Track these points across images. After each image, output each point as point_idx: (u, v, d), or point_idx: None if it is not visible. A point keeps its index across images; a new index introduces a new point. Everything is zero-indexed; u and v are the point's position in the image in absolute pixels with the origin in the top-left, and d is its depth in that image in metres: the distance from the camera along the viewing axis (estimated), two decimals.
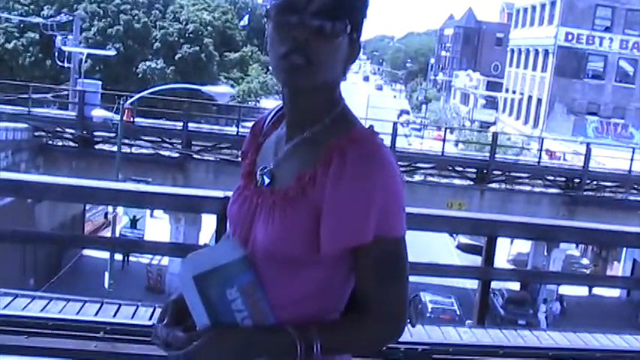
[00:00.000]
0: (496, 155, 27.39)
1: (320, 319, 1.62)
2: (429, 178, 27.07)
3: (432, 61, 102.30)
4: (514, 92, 54.55)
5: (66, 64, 32.84)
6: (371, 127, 1.67)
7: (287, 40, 1.57)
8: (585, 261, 32.60)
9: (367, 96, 71.83)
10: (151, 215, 27.33)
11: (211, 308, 1.58)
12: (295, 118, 1.69)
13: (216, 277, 1.59)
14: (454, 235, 33.03)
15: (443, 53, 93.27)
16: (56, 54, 33.91)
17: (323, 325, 1.60)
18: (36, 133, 25.24)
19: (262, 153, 1.78)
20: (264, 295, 1.61)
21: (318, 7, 1.56)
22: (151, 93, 23.77)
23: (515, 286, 24.91)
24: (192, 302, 1.59)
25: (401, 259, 1.62)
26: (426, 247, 27.81)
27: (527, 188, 27.39)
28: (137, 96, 22.11)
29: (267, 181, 1.70)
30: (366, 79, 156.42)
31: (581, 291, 26.44)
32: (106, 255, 20.11)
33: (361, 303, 1.63)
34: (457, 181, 27.20)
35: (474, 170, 27.19)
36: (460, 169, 27.42)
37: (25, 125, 24.57)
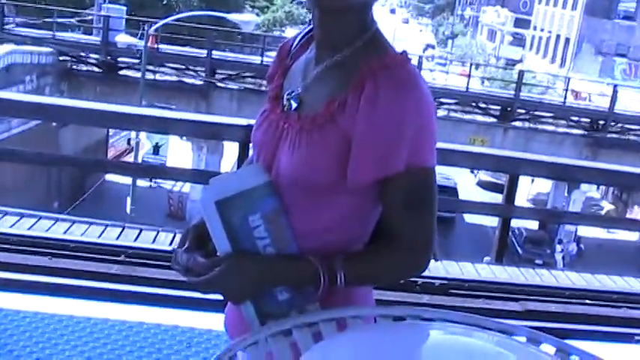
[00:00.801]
0: (521, 93, 27.12)
1: (344, 249, 1.58)
2: (452, 114, 26.90)
3: None
4: (542, 30, 53.63)
5: None
6: (404, 52, 1.59)
7: None
8: (605, 203, 32.52)
9: (393, 29, 70.99)
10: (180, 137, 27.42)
11: (233, 234, 1.54)
12: (325, 41, 1.62)
13: (239, 203, 1.55)
14: (475, 172, 32.97)
15: None
16: None
17: (347, 254, 1.57)
18: (60, 58, 25.24)
19: (289, 76, 1.72)
20: (287, 223, 1.58)
21: None
22: (176, 20, 23.63)
23: (534, 225, 24.96)
24: (213, 228, 1.56)
25: (431, 189, 1.57)
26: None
27: (551, 128, 27.17)
28: (161, 22, 21.99)
29: (294, 105, 1.64)
30: (392, 11, 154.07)
31: (600, 233, 26.43)
32: (128, 180, 20.32)
33: (389, 233, 1.58)
34: (480, 118, 27.04)
35: (498, 108, 26.98)
36: (484, 105, 27.21)
37: (50, 49, 24.57)
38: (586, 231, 25.13)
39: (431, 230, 1.58)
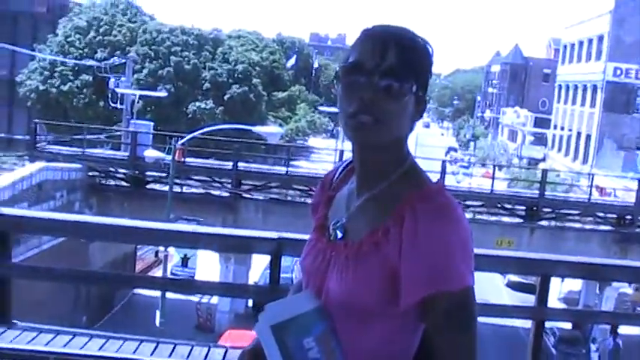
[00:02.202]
0: (545, 192, 27.13)
1: None
2: (478, 216, 26.88)
3: (479, 98, 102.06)
4: (562, 128, 54.11)
5: (119, 106, 33.62)
6: (439, 181, 1.73)
7: (355, 100, 1.66)
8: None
9: (415, 135, 71.76)
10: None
11: (288, 357, 1.65)
12: (365, 173, 1.76)
13: (294, 327, 1.66)
14: (504, 274, 32.66)
15: (490, 90, 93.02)
16: (109, 95, 34.77)
17: None
18: (90, 173, 25.75)
19: (334, 207, 1.85)
20: (338, 345, 1.68)
21: (386, 69, 1.65)
22: (202, 133, 24.13)
23: (567, 324, 24.49)
24: (270, 351, 1.66)
25: (471, 308, 1.68)
26: (476, 285, 27.60)
27: (578, 225, 27.01)
28: (189, 136, 22.47)
29: (339, 234, 1.76)
30: None
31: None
32: (157, 293, 20.33)
33: (432, 352, 1.69)
34: (506, 219, 26.97)
35: (524, 208, 26.93)
36: (509, 206, 27.19)
37: (79, 165, 25.10)
38: (626, 328, 24.52)
39: (473, 348, 1.68)
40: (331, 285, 1.72)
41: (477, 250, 5.37)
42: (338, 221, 1.79)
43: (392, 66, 1.65)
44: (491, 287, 30.68)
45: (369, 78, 1.65)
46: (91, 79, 44.14)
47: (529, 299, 8.86)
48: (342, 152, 29.93)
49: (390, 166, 1.74)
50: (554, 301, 27.92)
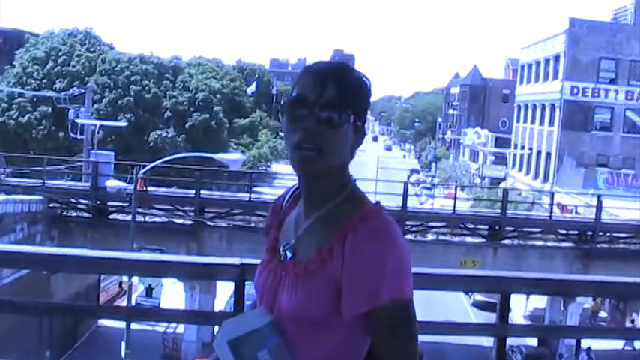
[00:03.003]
0: (507, 211, 27.42)
1: None
2: (442, 237, 27.04)
3: (440, 119, 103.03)
4: (522, 147, 54.79)
5: (79, 136, 33.37)
6: (377, 203, 1.89)
7: (299, 131, 1.82)
8: (603, 314, 32.31)
9: (377, 157, 72.28)
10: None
11: None
12: (311, 199, 1.92)
13: (249, 341, 1.81)
14: (469, 294, 32.86)
15: (450, 111, 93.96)
16: (69, 126, 34.49)
17: None
18: (51, 205, 25.49)
19: (284, 229, 2.00)
20: (290, 356, 1.81)
21: (325, 101, 1.81)
22: (164, 162, 24.03)
23: (533, 341, 24.68)
24: None
25: (411, 319, 1.83)
26: (441, 305, 27.74)
27: (540, 243, 27.30)
28: (150, 165, 22.38)
29: (289, 255, 1.91)
30: (375, 139, 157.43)
31: (612, 344, 25.93)
32: (121, 324, 20.12)
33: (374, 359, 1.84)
34: (470, 239, 27.17)
35: (486, 227, 27.17)
36: (472, 226, 27.40)
37: (40, 197, 24.86)
38: (599, 343, 24.72)
39: (414, 356, 1.84)
40: (282, 301, 1.86)
41: (437, 270, 5.43)
42: (287, 243, 1.94)
43: (331, 98, 1.82)
44: (457, 308, 30.88)
45: (310, 110, 1.81)
46: (50, 110, 43.83)
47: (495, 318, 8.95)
48: None
49: (333, 191, 1.89)
50: (519, 319, 28.18)
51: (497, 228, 26.71)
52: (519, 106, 58.00)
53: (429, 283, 6.17)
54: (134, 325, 21.49)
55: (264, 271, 1.98)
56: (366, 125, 1.93)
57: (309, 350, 1.83)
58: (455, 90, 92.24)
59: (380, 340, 1.82)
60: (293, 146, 1.83)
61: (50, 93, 41.06)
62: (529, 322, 25.48)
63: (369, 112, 1.95)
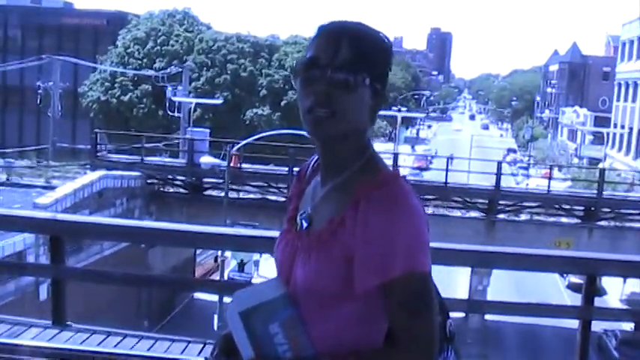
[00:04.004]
0: (604, 192, 26.70)
1: (358, 351, 1.75)
2: (536, 217, 26.60)
3: (538, 98, 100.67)
4: (622, 127, 53.07)
5: (176, 114, 34.22)
6: (396, 170, 1.81)
7: (312, 94, 1.73)
8: None
9: (472, 135, 71.39)
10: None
11: (256, 342, 1.74)
12: (327, 165, 1.85)
13: (260, 313, 1.75)
14: (564, 275, 32.19)
15: (549, 90, 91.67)
16: (167, 104, 35.40)
17: (358, 355, 1.74)
18: (149, 181, 26.30)
19: (304, 198, 1.94)
20: (304, 329, 1.75)
21: (338, 63, 1.72)
22: (257, 139, 24.37)
23: (630, 326, 24.05)
24: (238, 336, 1.76)
25: (427, 292, 1.73)
26: (534, 286, 27.32)
27: (638, 225, 26.52)
28: (243, 142, 22.80)
29: (304, 225, 1.85)
30: (472, 117, 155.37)
31: None
32: (215, 297, 20.68)
33: (393, 335, 1.74)
34: (564, 220, 26.63)
35: (582, 208, 26.56)
36: (567, 207, 26.84)
37: (139, 173, 25.66)
38: None
39: (431, 331, 1.73)
40: (297, 273, 1.80)
41: (518, 250, 5.45)
42: (304, 212, 1.88)
43: (345, 59, 1.72)
44: (551, 289, 30.31)
45: (323, 72, 1.72)
46: (150, 88, 45.06)
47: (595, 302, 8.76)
48: (396, 155, 29.98)
49: (350, 157, 1.80)
50: (615, 302, 27.48)
51: (592, 209, 26.07)
52: (620, 84, 56.13)
53: (511, 262, 6.20)
54: (227, 299, 22.03)
55: (282, 241, 1.92)
56: (386, 88, 1.82)
57: (323, 324, 1.75)
58: (553, 68, 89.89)
59: (395, 314, 1.72)
60: (306, 110, 1.75)
61: (150, 72, 42.23)
62: (625, 307, 24.77)
63: (389, 72, 1.83)
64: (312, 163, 1.99)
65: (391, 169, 1.82)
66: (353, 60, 1.73)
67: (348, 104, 1.73)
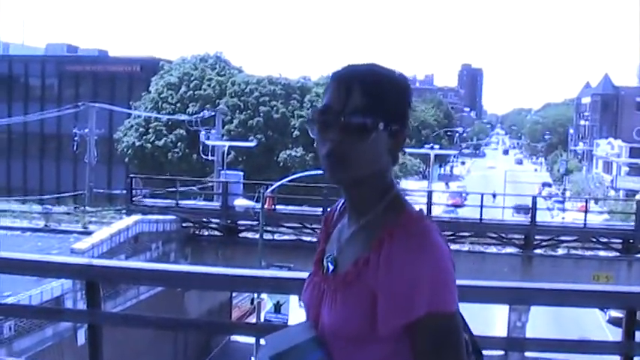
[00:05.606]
0: None
1: None
2: (573, 251, 26.29)
3: (571, 131, 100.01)
4: None
5: (210, 157, 34.54)
6: (420, 210, 1.81)
7: (327, 141, 1.77)
8: None
9: (507, 171, 71.04)
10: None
11: None
12: (352, 207, 1.87)
13: (290, 357, 1.78)
14: (605, 310, 31.66)
15: (582, 122, 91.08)
16: (201, 148, 35.74)
17: None
18: (184, 224, 26.48)
19: (330, 241, 1.95)
20: None
21: (350, 109, 1.74)
22: (291, 180, 24.43)
23: None
24: None
25: (453, 332, 1.72)
26: (574, 322, 26.93)
27: None
28: (276, 184, 22.91)
29: (331, 267, 1.86)
30: (506, 152, 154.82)
31: None
32: (252, 340, 20.64)
33: None
34: (602, 253, 26.26)
35: (620, 241, 26.19)
36: (605, 240, 26.49)
37: (174, 217, 25.87)
38: None
39: None
40: (324, 315, 1.81)
41: (555, 285, 5.39)
42: (330, 254, 1.89)
43: (356, 105, 1.74)
44: (592, 324, 29.82)
45: (336, 119, 1.75)
46: (184, 133, 45.54)
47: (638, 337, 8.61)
48: (430, 193, 29.88)
49: (373, 199, 1.81)
50: None
51: (631, 241, 25.71)
52: None
53: (549, 298, 6.14)
54: (263, 341, 21.98)
55: (310, 284, 1.93)
56: (408, 125, 1.84)
57: None
58: (586, 100, 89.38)
59: (420, 355, 1.72)
60: (323, 156, 1.78)
61: (183, 117, 42.75)
62: None
63: (408, 110, 1.84)
64: (339, 207, 2.01)
65: (415, 208, 1.83)
66: (365, 105, 1.75)
67: (363, 149, 1.76)
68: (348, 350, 1.77)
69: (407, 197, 1.88)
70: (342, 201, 1.98)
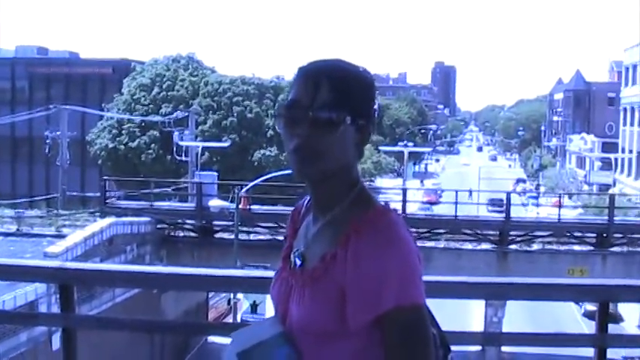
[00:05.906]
0: (615, 218, 26.58)
1: None
2: (548, 246, 26.47)
3: (544, 127, 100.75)
4: (630, 151, 52.96)
5: (184, 158, 34.37)
6: (387, 204, 1.81)
7: (295, 136, 1.76)
8: None
9: (480, 167, 71.44)
10: None
11: None
12: (318, 203, 1.86)
13: (258, 353, 1.77)
14: (580, 304, 31.96)
15: (555, 118, 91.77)
16: (174, 149, 35.59)
17: None
18: (159, 226, 26.34)
19: (298, 237, 1.94)
20: None
21: (318, 104, 1.75)
22: (266, 180, 24.39)
23: None
24: None
25: (420, 325, 1.73)
26: (550, 317, 27.14)
27: None
28: (251, 184, 22.87)
29: (298, 262, 1.86)
30: (480, 149, 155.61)
31: None
32: (229, 340, 20.58)
33: None
34: (577, 247, 26.48)
35: (594, 235, 26.43)
36: (579, 234, 26.71)
37: (148, 219, 25.73)
38: None
39: None
40: (292, 310, 1.81)
41: (530, 280, 5.43)
42: (297, 250, 1.89)
43: (324, 100, 1.75)
44: (567, 318, 30.08)
45: (304, 114, 1.75)
46: (157, 134, 45.32)
47: (611, 329, 8.69)
48: (405, 190, 29.97)
49: (339, 194, 1.81)
50: (633, 329, 27.24)
51: (604, 235, 25.94)
52: (625, 109, 56.17)
53: (517, 293, 6.16)
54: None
55: (278, 280, 1.92)
56: (373, 120, 1.85)
57: None
58: (558, 96, 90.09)
59: (389, 349, 1.72)
60: (290, 151, 1.78)
61: (157, 118, 42.54)
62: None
63: (375, 106, 1.85)
64: (305, 203, 2.00)
65: (382, 203, 1.83)
66: (333, 100, 1.75)
67: (331, 144, 1.76)
68: (317, 346, 1.77)
69: (382, 195, 1.87)
70: (309, 197, 1.96)
